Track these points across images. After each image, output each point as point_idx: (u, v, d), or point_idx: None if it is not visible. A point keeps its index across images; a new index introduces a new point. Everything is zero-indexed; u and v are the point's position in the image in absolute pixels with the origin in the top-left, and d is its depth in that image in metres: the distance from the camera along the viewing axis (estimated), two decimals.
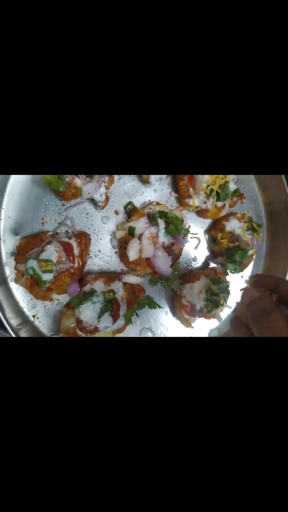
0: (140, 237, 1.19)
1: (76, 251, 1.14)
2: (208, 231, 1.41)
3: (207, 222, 1.42)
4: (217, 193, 1.27)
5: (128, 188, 1.30)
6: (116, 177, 1.24)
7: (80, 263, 1.14)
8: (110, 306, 1.12)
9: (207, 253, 1.42)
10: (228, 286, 1.27)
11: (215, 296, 1.22)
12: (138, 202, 1.31)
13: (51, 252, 1.04)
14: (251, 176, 1.47)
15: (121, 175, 1.26)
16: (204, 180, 1.23)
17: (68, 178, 1.08)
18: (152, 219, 1.19)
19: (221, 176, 1.25)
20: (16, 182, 1.17)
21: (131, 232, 1.19)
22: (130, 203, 1.30)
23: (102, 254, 1.28)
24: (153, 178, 1.23)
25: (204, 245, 1.42)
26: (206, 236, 1.42)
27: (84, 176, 1.08)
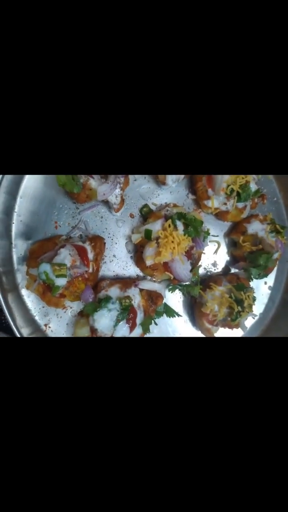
0: (157, 240, 1.13)
1: (90, 255, 1.08)
2: (228, 234, 1.33)
3: (226, 225, 1.35)
4: (238, 194, 1.21)
5: (143, 190, 1.25)
6: (131, 178, 1.20)
7: (95, 268, 1.08)
8: (127, 314, 1.05)
9: (227, 257, 1.34)
10: (253, 292, 1.19)
11: (239, 304, 1.14)
12: (154, 204, 1.26)
13: (65, 256, 0.98)
14: (271, 177, 1.40)
15: (137, 177, 1.21)
16: (224, 180, 1.17)
17: (82, 179, 1.03)
18: (169, 219, 1.13)
19: (242, 175, 1.18)
20: (29, 185, 1.13)
21: (147, 235, 1.13)
22: (145, 205, 1.24)
23: (117, 259, 1.21)
24: (169, 179, 1.18)
25: (223, 249, 1.34)
26: (226, 239, 1.35)
27: (99, 177, 1.03)
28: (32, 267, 1.01)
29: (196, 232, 1.13)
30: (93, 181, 1.05)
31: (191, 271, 1.15)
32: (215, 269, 1.32)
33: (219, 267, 1.32)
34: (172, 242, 1.09)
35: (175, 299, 1.26)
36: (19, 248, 1.12)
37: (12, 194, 1.10)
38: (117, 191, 1.09)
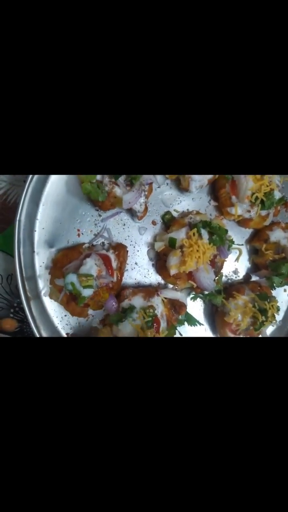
0: (181, 248, 1.12)
1: (114, 264, 1.07)
2: (249, 241, 1.32)
3: (247, 232, 1.33)
4: (262, 201, 1.19)
5: (165, 197, 1.23)
6: (154, 185, 1.18)
7: (119, 277, 1.07)
8: (151, 324, 1.04)
9: (248, 265, 1.33)
10: (276, 302, 1.18)
11: (263, 313, 1.13)
12: (176, 211, 1.24)
13: (91, 265, 0.97)
14: None
15: (160, 184, 1.19)
16: (249, 187, 1.15)
17: (108, 187, 1.02)
18: (194, 228, 1.12)
19: (266, 183, 1.16)
20: (52, 192, 1.11)
21: (171, 243, 1.12)
22: (168, 212, 1.22)
23: (139, 267, 1.20)
24: (193, 186, 1.15)
25: (245, 256, 1.32)
26: (248, 247, 1.33)
27: (124, 184, 1.01)
28: (56, 277, 1.00)
29: (221, 241, 1.11)
30: (118, 189, 1.03)
31: (214, 280, 1.14)
32: (236, 277, 1.30)
33: (240, 275, 1.31)
34: (197, 251, 1.08)
35: (196, 307, 1.25)
36: (41, 255, 1.10)
37: (35, 201, 1.08)
38: (142, 199, 1.08)
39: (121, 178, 1.00)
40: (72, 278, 0.93)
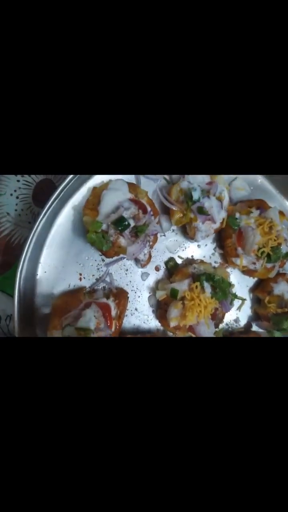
0: (182, 300, 1.10)
1: (113, 312, 1.06)
2: (253, 290, 1.30)
3: (251, 280, 1.31)
4: (268, 255, 1.17)
5: (170, 243, 1.22)
6: (159, 234, 1.17)
7: (117, 326, 1.06)
8: None
9: (250, 313, 1.31)
10: None
11: None
12: (180, 258, 1.23)
13: (90, 317, 0.96)
14: None
15: (166, 232, 1.18)
16: (256, 241, 1.13)
17: (112, 237, 1.01)
18: (197, 281, 1.10)
19: (274, 237, 1.15)
20: (57, 235, 1.10)
21: (173, 294, 1.10)
22: (172, 259, 1.21)
23: (139, 312, 1.19)
24: (199, 236, 1.14)
25: (248, 304, 1.30)
26: (251, 295, 1.31)
27: (129, 236, 1.01)
28: (54, 327, 0.99)
29: (224, 295, 1.10)
30: (123, 240, 1.02)
31: (214, 333, 1.12)
32: (237, 325, 1.28)
33: (241, 323, 1.29)
34: (199, 305, 1.06)
35: None
36: (41, 298, 1.09)
37: (40, 244, 1.08)
38: (146, 249, 1.07)
39: (127, 231, 0.99)
40: (70, 331, 0.92)
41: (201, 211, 1.07)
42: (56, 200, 1.06)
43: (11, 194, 1.12)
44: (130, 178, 1.17)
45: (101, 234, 1.00)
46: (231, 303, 1.15)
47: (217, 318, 1.15)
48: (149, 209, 1.04)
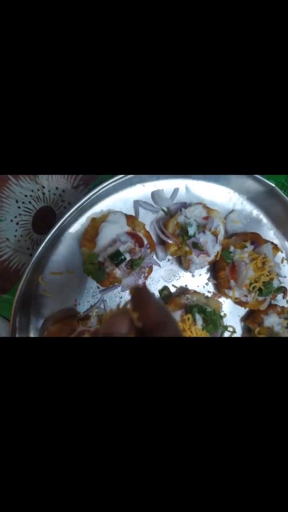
0: None
1: None
2: (245, 320, 1.33)
3: (244, 309, 1.34)
4: (260, 289, 1.20)
5: (165, 273, 1.24)
6: (154, 266, 1.19)
7: None
8: None
9: None
10: None
11: None
12: (174, 286, 1.25)
13: None
14: None
15: (161, 260, 1.21)
16: (248, 276, 1.16)
17: (108, 269, 1.03)
18: (189, 313, 1.13)
19: (266, 273, 1.18)
20: (55, 262, 1.13)
21: None
22: (166, 288, 1.24)
23: None
24: (193, 268, 1.17)
25: (239, 333, 1.33)
26: (242, 324, 1.34)
27: (124, 268, 1.03)
28: None
29: (214, 328, 1.12)
30: (118, 271, 1.05)
31: None
32: None
33: None
34: (190, 336, 1.09)
35: None
36: (36, 323, 1.12)
37: (37, 271, 1.10)
38: (141, 280, 1.09)
39: (123, 264, 1.02)
40: None
41: (196, 246, 1.10)
42: (57, 229, 1.09)
43: (11, 220, 1.15)
44: (129, 209, 1.20)
45: (97, 265, 1.03)
46: (222, 335, 1.17)
47: None
48: (145, 242, 1.06)
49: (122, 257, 1.00)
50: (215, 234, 1.17)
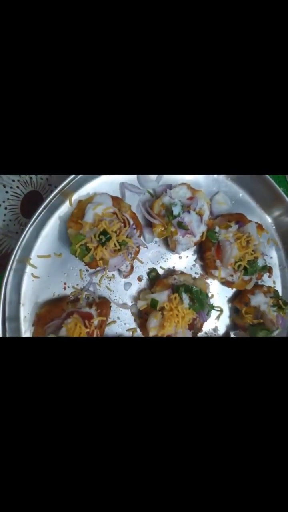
0: (162, 310, 1.15)
1: (95, 322, 1.10)
2: (232, 301, 1.36)
3: (231, 290, 1.37)
4: (245, 268, 1.23)
5: (152, 255, 1.27)
6: (141, 247, 1.21)
7: (99, 334, 1.10)
8: None
9: (228, 322, 1.36)
10: None
11: None
12: (162, 268, 1.28)
13: (71, 327, 1.00)
14: (280, 245, 1.42)
15: (149, 244, 1.23)
16: (233, 255, 1.19)
17: (95, 250, 1.05)
18: (176, 292, 1.15)
19: (251, 251, 1.20)
20: (43, 246, 1.14)
21: (153, 304, 1.15)
22: (153, 269, 1.26)
23: (121, 321, 1.23)
24: (179, 249, 1.19)
25: (226, 313, 1.36)
26: (229, 305, 1.37)
27: (111, 248, 1.05)
28: (38, 334, 1.03)
29: (201, 307, 1.15)
30: (106, 252, 1.07)
31: None
32: (215, 334, 1.34)
33: (220, 332, 1.34)
34: (177, 315, 1.11)
35: None
36: (27, 307, 1.13)
37: (26, 253, 1.11)
38: (128, 261, 1.11)
39: (110, 244, 1.04)
40: None
41: (181, 225, 1.13)
42: (43, 212, 1.11)
43: (0, 205, 1.16)
44: (115, 191, 1.22)
45: (84, 246, 1.04)
46: (208, 314, 1.20)
47: (195, 327, 1.20)
48: (131, 222, 1.08)
49: (108, 236, 1.01)
50: (200, 214, 1.19)
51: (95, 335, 1.09)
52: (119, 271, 1.17)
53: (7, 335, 1.07)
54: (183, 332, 1.12)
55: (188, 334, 1.15)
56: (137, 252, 1.15)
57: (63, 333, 0.99)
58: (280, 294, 1.38)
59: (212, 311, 1.30)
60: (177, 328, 1.12)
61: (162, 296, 1.15)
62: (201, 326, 1.22)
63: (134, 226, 1.10)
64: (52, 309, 1.08)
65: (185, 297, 1.15)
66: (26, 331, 1.11)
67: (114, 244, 1.03)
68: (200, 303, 1.15)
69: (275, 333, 1.23)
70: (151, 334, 1.14)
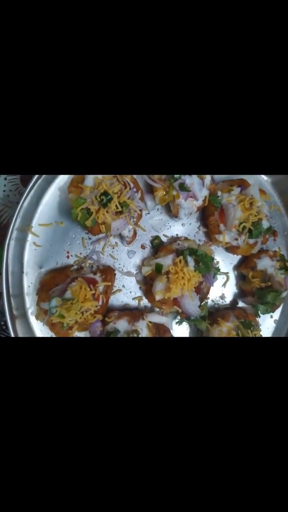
0: (167, 274, 1.14)
1: (100, 288, 1.09)
2: (237, 267, 1.34)
3: (236, 257, 1.35)
4: (250, 230, 1.21)
5: (155, 222, 1.25)
6: (144, 211, 1.20)
7: (104, 300, 1.09)
8: None
9: (235, 290, 1.34)
10: (259, 331, 1.19)
11: None
12: (165, 236, 1.27)
13: (76, 290, 0.99)
14: (282, 211, 1.40)
15: (151, 211, 1.22)
16: (237, 217, 1.17)
17: (96, 212, 1.04)
18: (181, 255, 1.14)
19: (254, 213, 1.19)
20: (43, 214, 1.14)
21: (158, 269, 1.14)
22: (157, 237, 1.25)
23: (126, 289, 1.22)
24: (182, 213, 1.18)
25: (232, 281, 1.34)
26: (235, 272, 1.35)
27: (113, 211, 1.04)
28: (42, 300, 1.02)
29: (206, 269, 1.13)
30: (107, 216, 1.06)
31: (199, 306, 1.16)
32: (222, 302, 1.32)
33: (227, 300, 1.32)
34: (183, 278, 1.10)
35: (181, 330, 1.26)
36: (30, 276, 1.12)
37: (26, 222, 1.11)
38: (130, 225, 1.10)
39: (112, 206, 1.03)
40: (56, 302, 0.95)
41: (183, 187, 1.11)
42: (41, 180, 1.10)
43: None
44: None
45: (85, 210, 1.03)
46: (214, 277, 1.18)
47: (201, 292, 1.18)
48: (132, 185, 1.07)
49: (109, 197, 1.00)
50: (201, 178, 1.18)
51: (100, 301, 1.08)
52: (122, 237, 1.15)
53: (12, 301, 1.06)
54: (190, 294, 1.11)
55: (195, 297, 1.13)
56: (140, 216, 1.14)
57: (68, 295, 0.97)
58: (286, 258, 1.36)
59: (218, 277, 1.29)
60: (183, 291, 1.10)
61: (166, 260, 1.14)
62: (208, 290, 1.21)
63: (135, 190, 1.09)
64: (56, 275, 1.07)
65: (190, 260, 1.13)
66: (29, 295, 1.11)
67: (116, 206, 1.02)
68: (206, 265, 1.13)
69: (284, 294, 1.21)
70: (157, 298, 1.12)
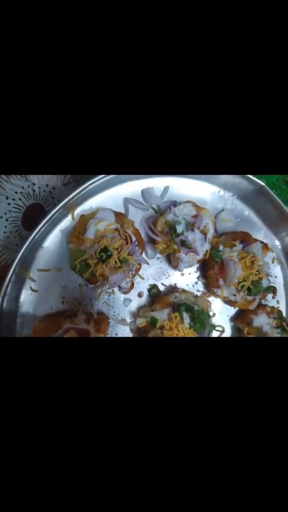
0: (161, 329, 1.13)
1: None
2: (234, 319, 1.33)
3: (233, 309, 1.34)
4: (249, 288, 1.20)
5: (154, 271, 1.24)
6: (143, 263, 1.19)
7: None
8: None
9: None
10: None
11: None
12: (163, 285, 1.25)
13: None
14: (285, 265, 1.39)
15: (150, 260, 1.21)
16: (237, 275, 1.16)
17: (95, 266, 1.03)
18: (177, 311, 1.13)
19: (255, 271, 1.17)
20: (42, 258, 1.13)
21: (153, 322, 1.13)
22: (154, 286, 1.24)
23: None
24: (182, 266, 1.17)
25: (228, 333, 1.33)
26: (231, 324, 1.34)
27: (111, 265, 1.03)
28: None
29: (202, 327, 1.12)
30: (106, 268, 1.05)
31: None
32: None
33: None
34: (177, 335, 1.09)
35: None
36: (23, 319, 1.12)
37: (25, 266, 1.10)
38: (129, 277, 1.09)
39: (111, 261, 1.02)
40: None
41: (184, 244, 1.10)
42: (46, 225, 1.09)
43: (1, 217, 1.15)
44: (119, 206, 1.21)
45: (84, 262, 1.03)
46: (209, 334, 1.17)
47: None
48: (134, 239, 1.06)
49: (109, 253, 1.00)
50: (204, 233, 1.17)
51: None
52: (119, 287, 1.14)
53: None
54: None
55: None
56: (138, 269, 1.13)
57: None
58: (284, 314, 1.34)
59: (214, 330, 1.28)
60: None
61: (162, 315, 1.13)
62: None
63: (136, 244, 1.08)
64: (49, 325, 1.06)
65: (186, 317, 1.12)
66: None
67: (115, 261, 1.02)
68: (201, 323, 1.12)
69: None
70: None
